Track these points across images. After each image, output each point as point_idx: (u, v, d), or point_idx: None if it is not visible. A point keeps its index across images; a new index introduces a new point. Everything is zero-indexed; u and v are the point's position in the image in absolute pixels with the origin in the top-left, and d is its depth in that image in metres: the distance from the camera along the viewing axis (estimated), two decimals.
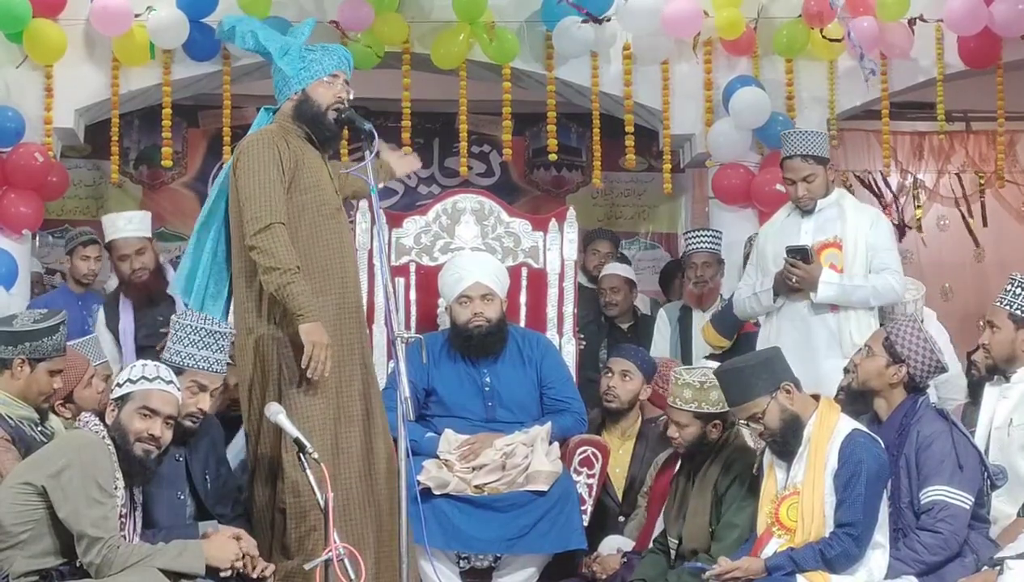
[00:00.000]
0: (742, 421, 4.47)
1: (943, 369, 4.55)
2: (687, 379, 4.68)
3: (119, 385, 4.04)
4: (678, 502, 4.73)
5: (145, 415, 3.98)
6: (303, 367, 4.32)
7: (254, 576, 4.03)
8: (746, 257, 6.49)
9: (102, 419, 4.01)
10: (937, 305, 8.95)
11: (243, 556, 3.97)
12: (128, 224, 6.08)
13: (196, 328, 4.41)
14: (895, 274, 5.42)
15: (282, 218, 4.39)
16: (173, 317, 4.60)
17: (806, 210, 5.51)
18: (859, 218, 5.49)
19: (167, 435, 4.05)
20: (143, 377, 4.02)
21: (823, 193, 5.49)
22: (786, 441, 4.30)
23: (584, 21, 7.02)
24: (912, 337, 4.49)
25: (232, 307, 4.62)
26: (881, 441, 4.30)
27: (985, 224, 9.59)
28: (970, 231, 9.62)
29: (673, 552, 4.67)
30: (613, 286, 6.94)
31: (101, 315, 6.11)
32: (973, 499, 4.27)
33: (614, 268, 7.05)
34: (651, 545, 4.83)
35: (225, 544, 3.97)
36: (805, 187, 5.47)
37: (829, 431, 4.26)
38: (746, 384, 4.32)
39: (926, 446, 4.32)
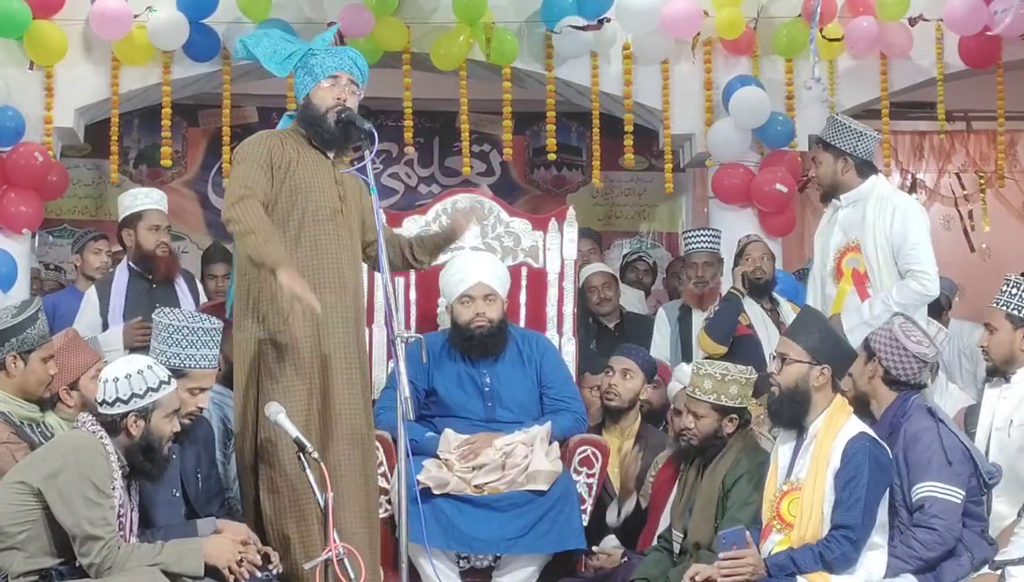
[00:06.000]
0: (772, 356, 4.43)
1: (923, 361, 4.46)
2: (708, 370, 4.68)
3: (138, 396, 3.95)
4: (686, 496, 4.73)
5: (171, 418, 4.02)
6: (288, 312, 4.33)
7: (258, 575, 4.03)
8: (736, 257, 6.49)
9: (105, 425, 3.97)
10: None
11: (241, 560, 3.96)
12: (162, 198, 5.98)
13: (192, 328, 4.34)
14: (918, 274, 5.16)
15: (258, 196, 4.36)
16: (157, 317, 4.44)
17: (821, 198, 5.57)
18: (880, 214, 5.25)
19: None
20: (162, 382, 4.00)
21: (828, 182, 5.36)
22: (784, 406, 4.29)
23: (585, 28, 7.03)
24: (883, 333, 4.50)
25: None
26: (887, 447, 4.27)
27: (987, 226, 9.55)
28: (966, 234, 9.58)
29: (677, 546, 4.67)
30: (604, 282, 6.91)
31: (93, 296, 5.86)
32: (964, 493, 4.25)
33: (598, 266, 7.03)
34: (654, 543, 4.83)
35: (223, 544, 3.96)
36: (814, 169, 5.56)
37: (836, 429, 4.24)
38: (810, 334, 4.31)
39: (913, 443, 4.30)
